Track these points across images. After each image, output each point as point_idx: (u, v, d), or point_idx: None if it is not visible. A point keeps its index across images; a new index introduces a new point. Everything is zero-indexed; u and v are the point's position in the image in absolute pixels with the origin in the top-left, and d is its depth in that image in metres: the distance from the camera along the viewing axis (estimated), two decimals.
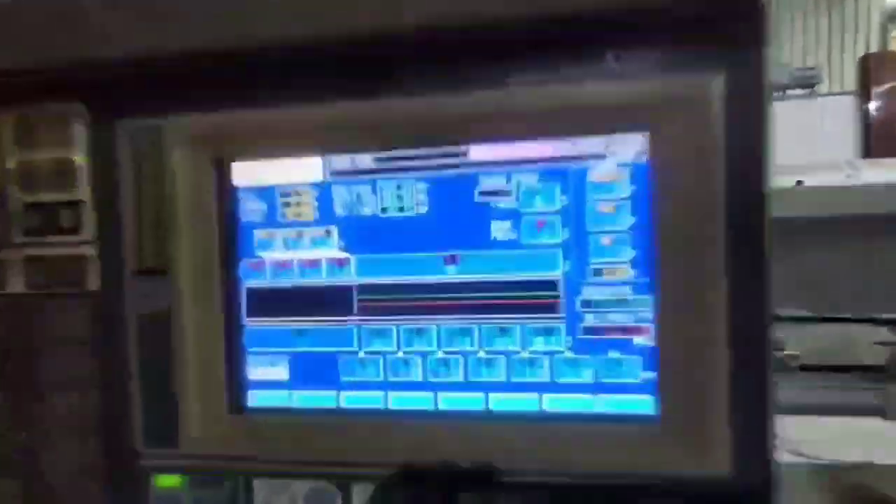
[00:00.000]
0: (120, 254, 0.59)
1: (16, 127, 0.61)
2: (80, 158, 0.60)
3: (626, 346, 0.52)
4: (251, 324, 0.59)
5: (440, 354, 0.55)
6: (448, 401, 0.55)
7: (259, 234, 0.58)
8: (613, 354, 0.53)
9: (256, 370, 0.59)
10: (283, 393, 0.58)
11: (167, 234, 0.58)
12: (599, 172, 0.52)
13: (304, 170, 0.57)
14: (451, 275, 0.55)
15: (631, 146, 0.52)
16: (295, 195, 0.58)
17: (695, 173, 0.49)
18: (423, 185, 0.55)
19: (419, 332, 0.56)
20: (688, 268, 0.50)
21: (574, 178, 0.53)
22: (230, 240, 0.58)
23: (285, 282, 0.58)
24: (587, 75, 0.51)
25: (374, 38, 0.53)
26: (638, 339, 0.52)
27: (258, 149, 0.57)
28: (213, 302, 0.58)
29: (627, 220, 0.52)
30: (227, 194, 0.58)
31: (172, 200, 0.58)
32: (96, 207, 0.60)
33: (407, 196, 0.55)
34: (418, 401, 0.56)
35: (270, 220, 0.58)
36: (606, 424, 0.52)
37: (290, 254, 0.58)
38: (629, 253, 0.52)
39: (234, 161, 0.58)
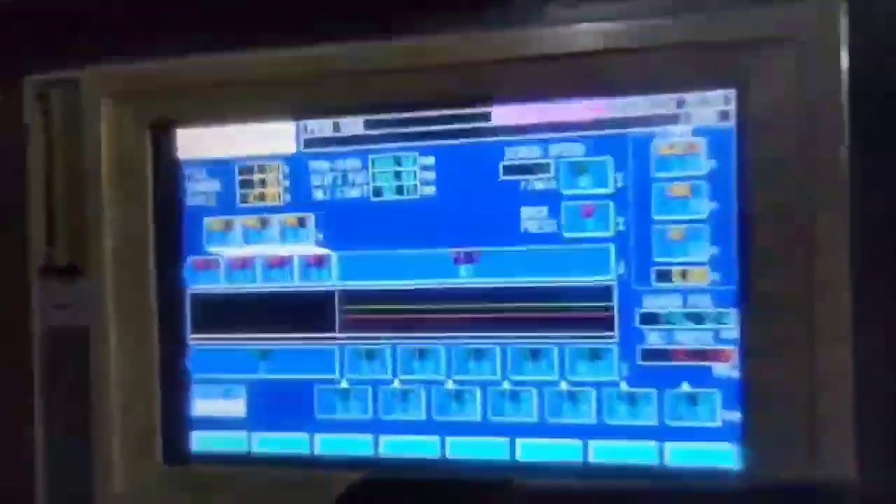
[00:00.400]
0: (24, 248, 0.44)
1: None
2: None
3: (702, 377, 0.39)
4: (197, 342, 0.44)
5: (450, 385, 0.41)
6: (460, 447, 0.41)
7: (210, 224, 0.44)
8: (685, 388, 0.39)
9: (203, 404, 0.44)
10: (239, 435, 0.44)
11: (86, 223, 0.43)
12: (669, 141, 0.39)
13: (272, 138, 0.43)
14: (466, 278, 0.41)
15: (712, 106, 0.38)
16: (259, 172, 0.43)
17: (803, 143, 0.36)
18: (429, 159, 0.41)
19: (422, 354, 0.42)
20: (790, 270, 0.36)
21: (634, 150, 0.39)
22: (171, 230, 0.44)
23: (244, 286, 0.44)
24: (652, 6, 0.38)
25: None
26: (718, 368, 0.39)
27: (209, 109, 0.43)
28: (147, 312, 0.43)
29: (706, 206, 0.39)
30: (168, 170, 0.44)
31: (95, 177, 0.43)
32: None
33: (408, 173, 0.42)
34: (420, 447, 0.41)
35: (226, 205, 0.44)
36: (674, 482, 0.38)
37: (251, 249, 0.44)
38: (708, 250, 0.39)
39: (178, 126, 0.44)
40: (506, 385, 0.41)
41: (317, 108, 0.42)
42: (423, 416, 0.42)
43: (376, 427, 0.42)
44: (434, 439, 0.41)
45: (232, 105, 0.43)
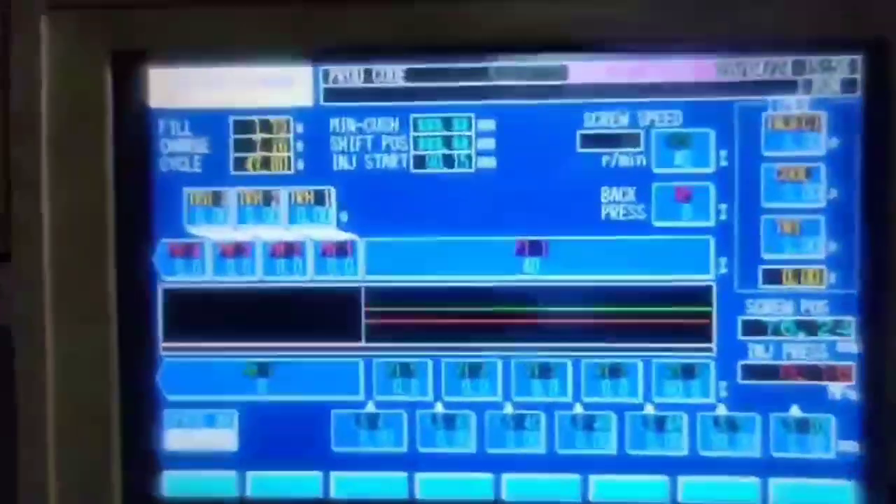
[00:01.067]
0: None
1: None
2: None
3: (815, 400, 0.32)
4: (171, 352, 0.33)
5: (508, 409, 0.33)
6: (520, 487, 0.33)
7: (193, 196, 0.33)
8: (795, 412, 0.32)
9: (179, 434, 0.33)
10: (228, 475, 0.33)
11: (15, 189, 0.32)
12: (784, 114, 0.32)
13: (281, 86, 0.33)
14: (531, 274, 0.33)
15: (836, 74, 0.32)
16: (262, 130, 0.33)
17: None
18: (488, 123, 0.33)
19: (472, 370, 0.33)
20: None
21: (742, 122, 0.32)
22: (138, 203, 0.33)
23: (238, 280, 0.33)
24: None
25: None
26: (834, 388, 0.32)
27: (196, 40, 0.32)
28: (101, 312, 0.32)
29: (825, 194, 0.32)
30: (135, 121, 0.33)
31: (29, 127, 0.32)
32: None
33: (460, 139, 0.33)
34: (468, 487, 0.33)
35: (215, 172, 0.33)
36: None
37: (249, 231, 0.33)
38: (825, 247, 0.32)
39: (150, 62, 0.33)
40: (578, 409, 0.33)
41: (343, 48, 0.32)
42: (472, 449, 0.33)
43: (412, 462, 0.33)
44: (486, 477, 0.33)
45: (227, 36, 0.32)
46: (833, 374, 0.32)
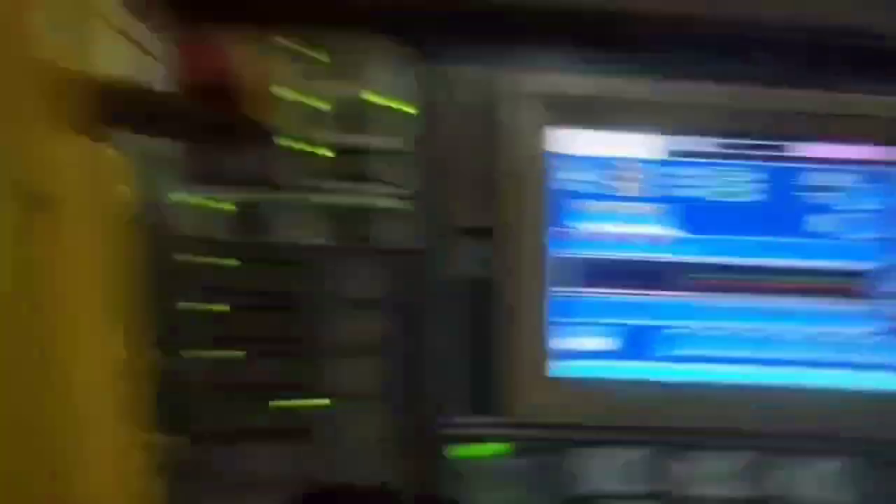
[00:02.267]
0: (436, 210, 0.56)
1: (332, 61, 0.56)
2: (399, 103, 0.56)
3: None
4: (575, 294, 0.58)
5: (760, 331, 0.59)
6: (772, 377, 0.58)
7: (581, 205, 0.58)
8: None
9: (575, 340, 0.58)
10: (607, 365, 0.58)
11: (493, 193, 0.56)
12: None
13: (643, 146, 0.58)
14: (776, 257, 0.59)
15: None
16: (629, 169, 0.58)
17: None
18: (759, 174, 0.59)
19: (743, 310, 0.58)
20: None
21: (889, 183, 0.59)
22: (555, 207, 0.58)
23: (617, 254, 0.58)
24: None
25: (737, 24, 0.56)
26: None
27: (597, 116, 0.57)
28: (537, 269, 0.57)
29: None
30: (556, 160, 0.58)
31: (499, 159, 0.56)
32: (417, 157, 0.56)
33: (742, 182, 0.59)
34: (732, 374, 0.58)
35: (596, 192, 0.58)
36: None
37: (621, 227, 0.59)
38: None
39: (563, 126, 0.58)
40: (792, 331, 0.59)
41: (683, 127, 0.58)
42: (742, 354, 0.58)
43: (706, 360, 0.58)
44: (750, 369, 0.58)
45: (616, 114, 0.57)
46: None
